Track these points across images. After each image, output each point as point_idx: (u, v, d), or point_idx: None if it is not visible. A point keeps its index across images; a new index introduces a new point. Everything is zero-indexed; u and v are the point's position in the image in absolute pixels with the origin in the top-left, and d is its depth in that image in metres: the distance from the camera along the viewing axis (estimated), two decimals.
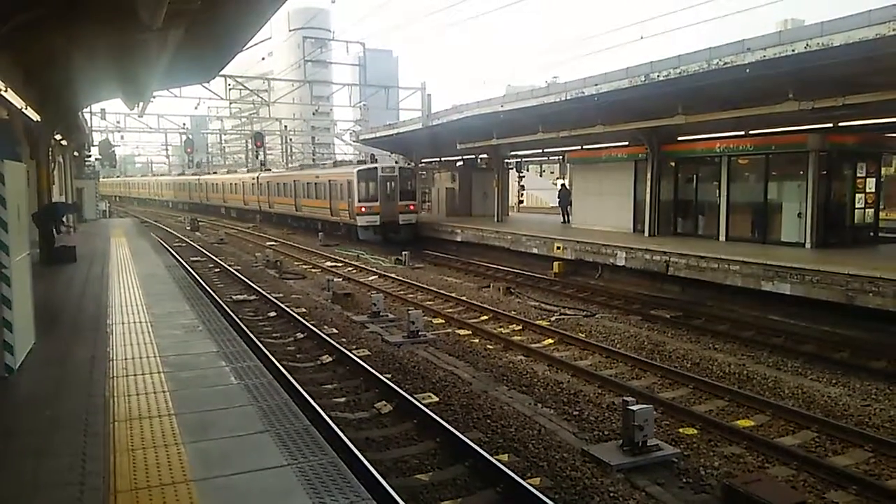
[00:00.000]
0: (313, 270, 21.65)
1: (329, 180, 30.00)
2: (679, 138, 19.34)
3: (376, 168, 27.57)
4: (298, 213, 34.37)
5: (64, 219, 17.32)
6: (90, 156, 39.13)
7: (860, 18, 10.80)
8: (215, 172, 56.24)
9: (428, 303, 15.65)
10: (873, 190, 17.14)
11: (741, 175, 18.10)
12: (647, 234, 19.76)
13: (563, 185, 28.84)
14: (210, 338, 7.77)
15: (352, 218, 27.48)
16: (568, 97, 17.43)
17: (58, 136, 20.59)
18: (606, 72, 16.36)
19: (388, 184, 27.47)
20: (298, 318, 13.21)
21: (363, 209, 26.84)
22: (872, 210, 17.31)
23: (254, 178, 41.01)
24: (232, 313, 13.12)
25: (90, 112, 30.81)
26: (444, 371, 10.14)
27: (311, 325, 12.63)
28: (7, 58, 10.18)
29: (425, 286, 17.63)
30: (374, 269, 21.12)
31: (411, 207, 27.97)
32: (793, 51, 11.88)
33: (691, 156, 19.37)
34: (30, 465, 4.33)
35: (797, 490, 6.36)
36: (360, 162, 32.66)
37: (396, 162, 30.62)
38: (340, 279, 18.72)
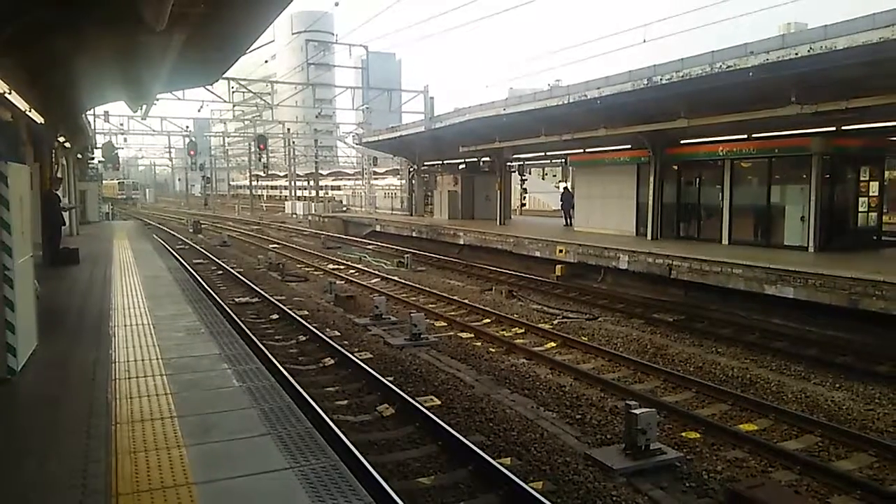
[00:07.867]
0: (315, 273, 21.66)
1: (111, 183, 76.69)
2: (682, 141, 19.32)
3: (124, 181, 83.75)
4: (110, 197, 75.37)
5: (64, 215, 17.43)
6: (93, 158, 39.24)
7: (864, 22, 10.81)
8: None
9: (430, 306, 15.64)
10: (877, 193, 17.13)
11: (744, 178, 18.08)
12: (649, 237, 19.73)
13: (565, 188, 28.86)
14: (212, 340, 7.77)
15: (121, 197, 76.47)
16: (570, 100, 17.44)
17: (61, 139, 20.61)
18: (609, 75, 16.38)
19: (130, 186, 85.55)
20: (301, 320, 13.21)
21: (121, 195, 76.88)
22: (876, 214, 17.31)
23: (100, 185, 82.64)
24: (234, 316, 13.12)
25: (93, 114, 30.93)
26: (446, 374, 10.13)
27: (314, 327, 12.63)
28: (11, 60, 10.19)
29: (427, 289, 17.63)
30: (377, 272, 21.14)
31: (136, 194, 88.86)
32: (796, 54, 11.88)
33: (694, 159, 19.34)
34: (32, 466, 4.32)
35: (800, 494, 6.34)
36: (124, 180, 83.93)
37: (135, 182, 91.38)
38: (343, 282, 18.73)
